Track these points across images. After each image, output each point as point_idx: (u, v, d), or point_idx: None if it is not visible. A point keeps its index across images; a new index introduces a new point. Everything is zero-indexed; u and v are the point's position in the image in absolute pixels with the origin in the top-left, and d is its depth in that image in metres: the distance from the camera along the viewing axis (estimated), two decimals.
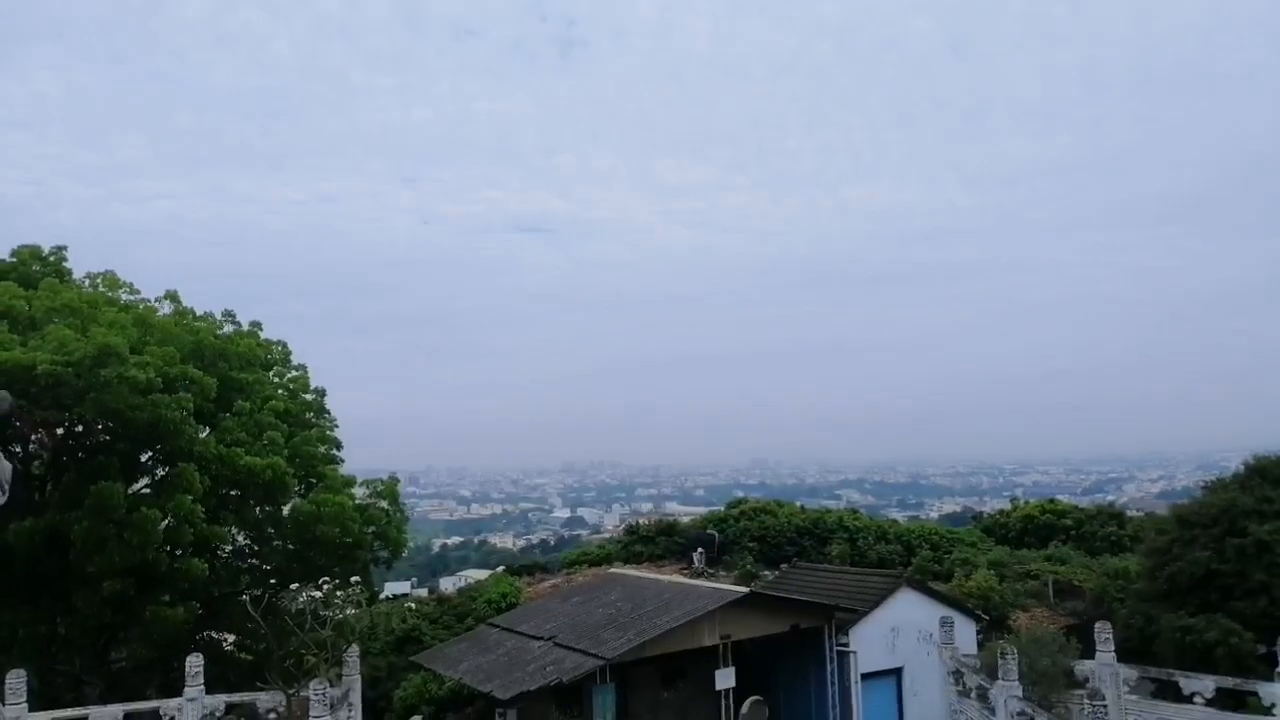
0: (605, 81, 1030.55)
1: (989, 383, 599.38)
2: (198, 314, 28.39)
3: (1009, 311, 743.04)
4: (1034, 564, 38.11)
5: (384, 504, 28.04)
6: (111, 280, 27.82)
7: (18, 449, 23.60)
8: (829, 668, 25.75)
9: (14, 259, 26.96)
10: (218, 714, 21.13)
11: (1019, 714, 19.77)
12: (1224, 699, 22.26)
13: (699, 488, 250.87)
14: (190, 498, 22.86)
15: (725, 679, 24.50)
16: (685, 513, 75.01)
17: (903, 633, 26.26)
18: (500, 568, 53.64)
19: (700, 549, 41.78)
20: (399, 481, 29.89)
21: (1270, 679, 21.70)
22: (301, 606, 24.34)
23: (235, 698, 21.86)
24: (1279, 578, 24.00)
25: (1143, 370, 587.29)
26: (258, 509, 26.11)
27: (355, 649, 22.75)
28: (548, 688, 21.33)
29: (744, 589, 26.73)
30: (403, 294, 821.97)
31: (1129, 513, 50.54)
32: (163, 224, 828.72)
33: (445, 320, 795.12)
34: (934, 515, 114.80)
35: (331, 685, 20.64)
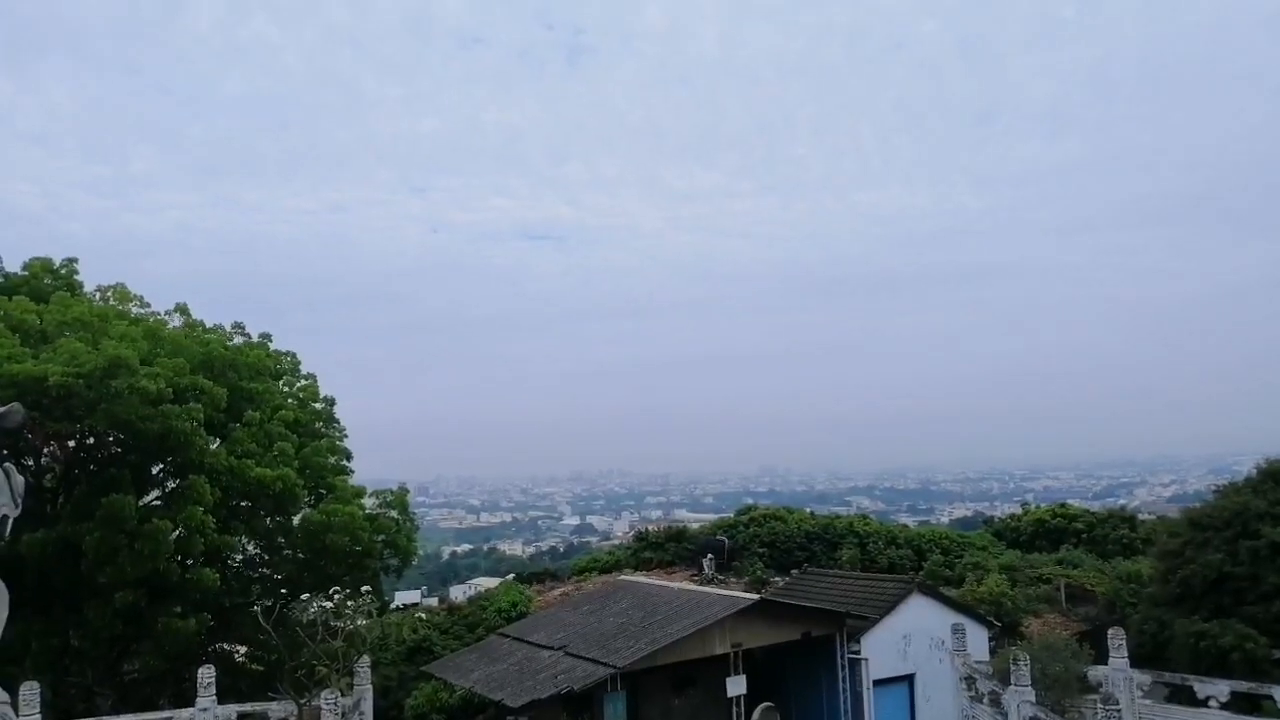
0: (613, 88, 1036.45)
1: (997, 386, 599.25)
2: (208, 326, 28.56)
3: (1017, 314, 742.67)
4: (1046, 568, 37.96)
5: (394, 513, 28.08)
6: (122, 293, 28.01)
7: (30, 461, 23.69)
8: (840, 675, 25.68)
9: (26, 272, 27.20)
10: None
11: (1032, 719, 19.69)
12: (1239, 702, 22.15)
13: (708, 495, 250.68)
14: (201, 509, 22.93)
15: (736, 686, 24.46)
16: (695, 519, 74.80)
17: (914, 639, 26.19)
18: (510, 575, 53.68)
19: (710, 555, 41.65)
20: (409, 492, 29.92)
21: None
22: (313, 617, 24.40)
23: (247, 708, 21.92)
24: None
25: (1152, 373, 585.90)
26: (268, 519, 26.17)
27: (366, 659, 22.80)
28: (558, 695, 21.32)
29: (754, 597, 26.69)
30: (412, 302, 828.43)
31: (1140, 516, 50.24)
32: (174, 234, 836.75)
33: (454, 328, 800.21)
34: (944, 520, 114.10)
35: (343, 695, 20.70)
